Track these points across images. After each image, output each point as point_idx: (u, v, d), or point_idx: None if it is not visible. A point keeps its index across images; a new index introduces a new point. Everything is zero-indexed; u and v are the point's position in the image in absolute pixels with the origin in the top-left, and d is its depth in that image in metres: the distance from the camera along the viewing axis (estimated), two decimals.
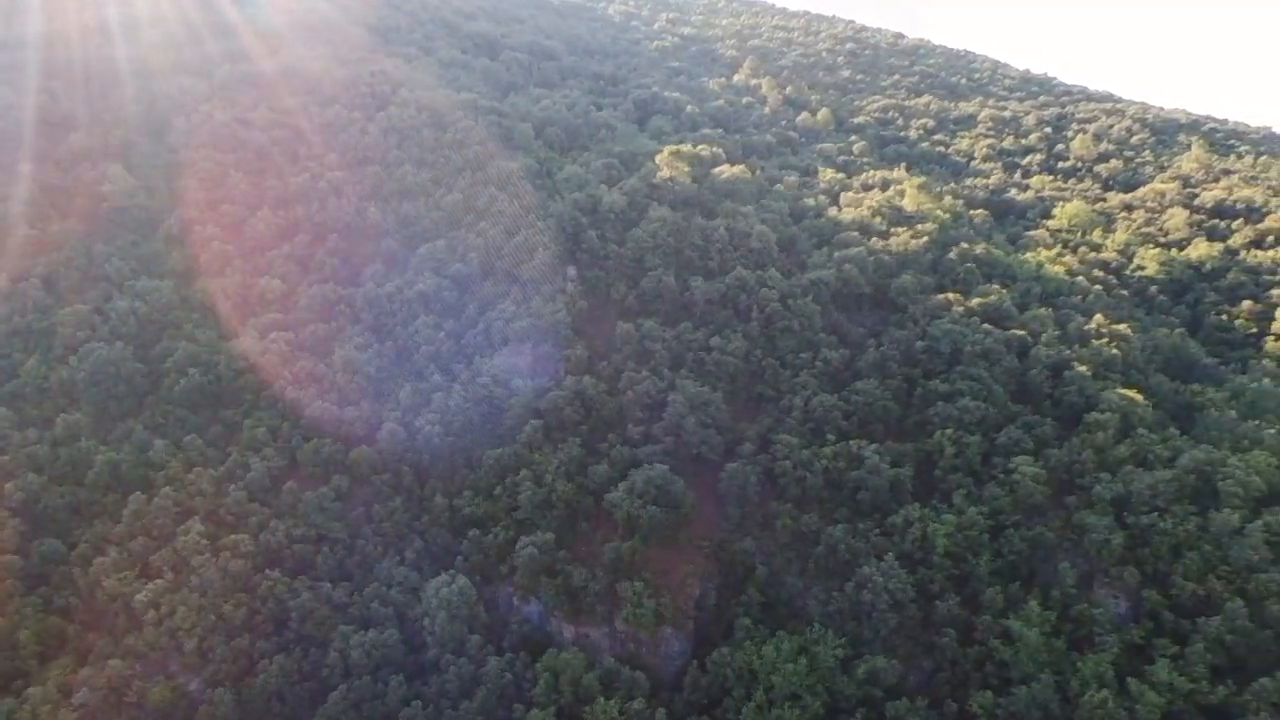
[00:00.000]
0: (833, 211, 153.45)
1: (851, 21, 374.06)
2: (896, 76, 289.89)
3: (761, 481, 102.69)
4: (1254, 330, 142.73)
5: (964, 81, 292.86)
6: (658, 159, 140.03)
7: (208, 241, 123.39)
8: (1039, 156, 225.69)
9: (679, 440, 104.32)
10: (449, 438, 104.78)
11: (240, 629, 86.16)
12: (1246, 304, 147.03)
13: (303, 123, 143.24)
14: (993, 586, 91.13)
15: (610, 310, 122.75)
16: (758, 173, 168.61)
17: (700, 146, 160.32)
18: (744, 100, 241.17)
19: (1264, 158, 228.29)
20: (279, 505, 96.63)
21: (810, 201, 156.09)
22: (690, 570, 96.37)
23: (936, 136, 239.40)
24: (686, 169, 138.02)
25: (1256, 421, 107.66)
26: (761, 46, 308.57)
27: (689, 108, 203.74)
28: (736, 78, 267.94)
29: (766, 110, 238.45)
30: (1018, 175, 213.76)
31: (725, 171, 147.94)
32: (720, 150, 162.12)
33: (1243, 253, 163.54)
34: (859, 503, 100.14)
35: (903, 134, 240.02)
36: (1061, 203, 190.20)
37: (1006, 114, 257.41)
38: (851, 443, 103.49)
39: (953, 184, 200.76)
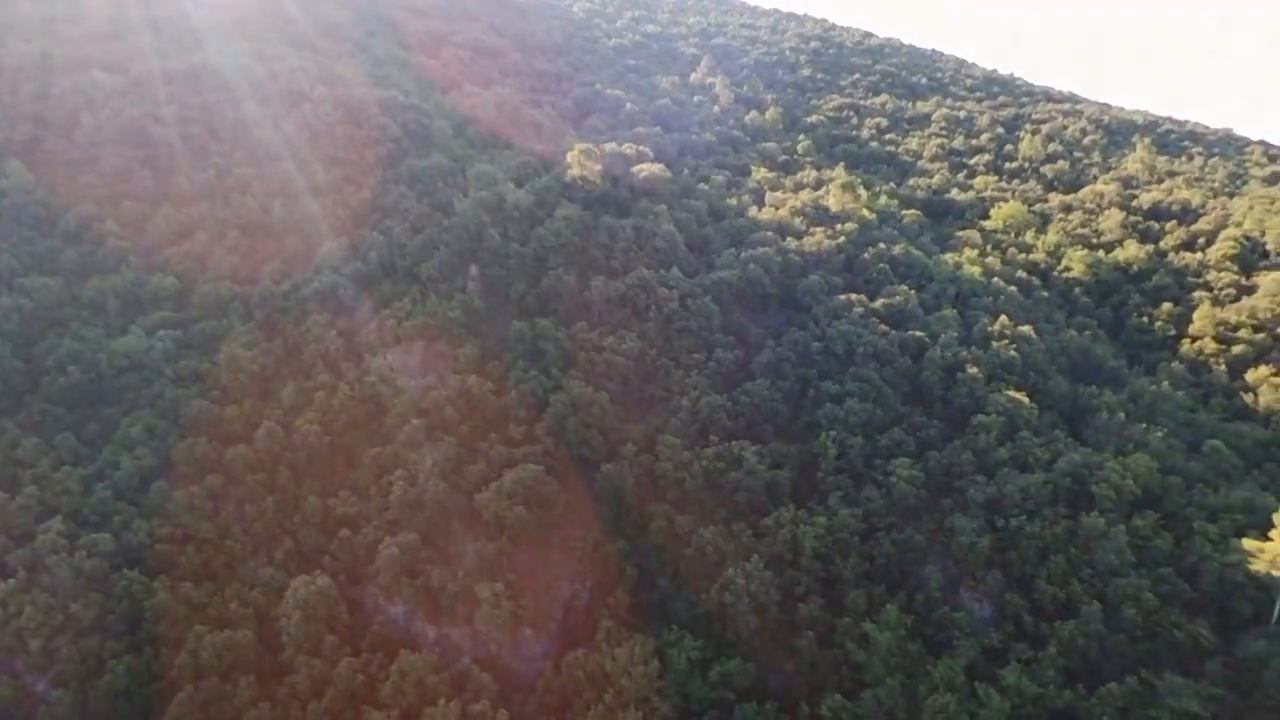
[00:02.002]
0: (754, 211, 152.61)
1: (823, 20, 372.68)
2: (857, 76, 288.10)
3: (642, 482, 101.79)
4: (1172, 332, 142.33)
5: (924, 81, 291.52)
6: (568, 157, 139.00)
7: (104, 238, 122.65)
8: (987, 157, 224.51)
9: (559, 440, 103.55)
10: (328, 437, 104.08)
11: (91, 628, 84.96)
12: (1166, 306, 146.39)
13: (214, 119, 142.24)
14: (858, 589, 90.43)
15: (509, 309, 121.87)
16: (685, 172, 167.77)
17: (625, 145, 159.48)
18: (694, 99, 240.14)
19: (1214, 159, 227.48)
20: (146, 504, 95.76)
21: (732, 201, 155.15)
22: (559, 571, 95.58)
23: (888, 136, 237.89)
24: (598, 168, 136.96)
25: (1144, 425, 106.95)
26: (724, 45, 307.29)
27: (628, 105, 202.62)
28: (693, 76, 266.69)
29: (716, 109, 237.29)
30: (963, 175, 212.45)
31: (644, 170, 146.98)
32: (646, 149, 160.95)
33: (1171, 255, 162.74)
34: (736, 504, 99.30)
35: (854, 133, 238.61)
36: (1001, 203, 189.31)
37: (961, 114, 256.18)
38: (733, 444, 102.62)
39: (893, 184, 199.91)
